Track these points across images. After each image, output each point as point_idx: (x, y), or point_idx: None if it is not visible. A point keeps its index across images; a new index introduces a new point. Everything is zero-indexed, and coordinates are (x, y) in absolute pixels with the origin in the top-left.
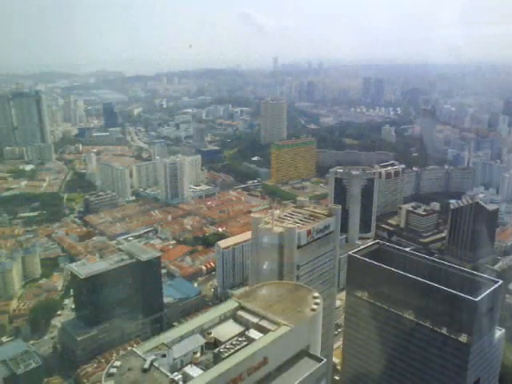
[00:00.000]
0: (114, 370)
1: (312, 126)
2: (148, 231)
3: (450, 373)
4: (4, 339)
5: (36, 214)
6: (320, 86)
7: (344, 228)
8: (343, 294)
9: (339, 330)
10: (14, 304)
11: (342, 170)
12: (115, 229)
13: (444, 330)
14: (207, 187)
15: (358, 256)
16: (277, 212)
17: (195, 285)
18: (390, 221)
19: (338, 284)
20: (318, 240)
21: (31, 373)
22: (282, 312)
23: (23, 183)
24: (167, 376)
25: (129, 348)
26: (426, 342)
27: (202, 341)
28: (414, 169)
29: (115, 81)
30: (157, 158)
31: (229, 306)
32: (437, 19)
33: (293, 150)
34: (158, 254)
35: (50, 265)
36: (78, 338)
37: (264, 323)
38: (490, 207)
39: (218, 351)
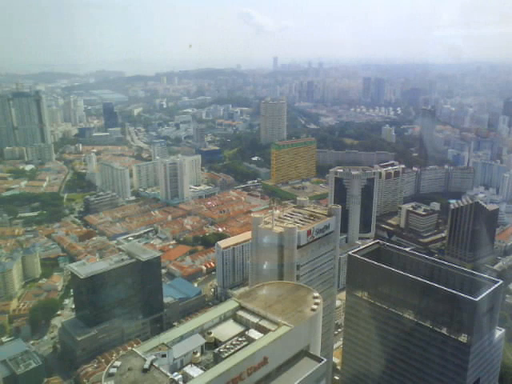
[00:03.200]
0: (114, 370)
1: (312, 126)
2: (148, 231)
3: (449, 373)
4: (4, 339)
5: (36, 214)
6: (320, 86)
7: (344, 228)
8: (343, 294)
9: (339, 330)
10: (13, 304)
11: (341, 170)
12: (115, 229)
13: (444, 330)
14: (207, 187)
15: (358, 256)
16: (277, 212)
17: (195, 285)
18: (390, 221)
19: (338, 284)
20: (317, 240)
21: (31, 373)
22: (281, 312)
23: (23, 183)
24: (167, 376)
25: (129, 348)
26: (425, 342)
27: (202, 341)
28: (414, 169)
29: (115, 81)
30: (157, 157)
31: (229, 305)
32: (437, 19)
33: (293, 149)
34: (158, 254)
35: (50, 265)
36: (78, 338)
37: (264, 323)
38: (490, 207)
39: (218, 351)
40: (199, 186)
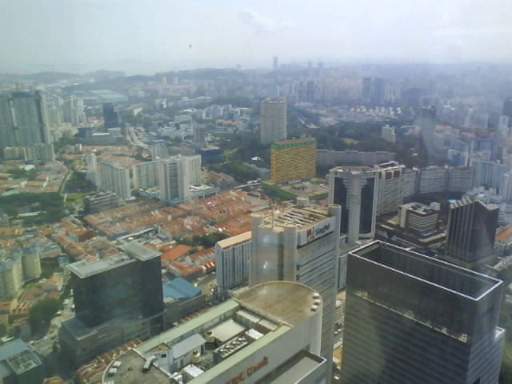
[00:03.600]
0: (113, 370)
1: (312, 126)
2: (148, 231)
3: (449, 373)
4: (4, 339)
5: (36, 214)
6: (320, 86)
7: (344, 228)
8: (343, 294)
9: (339, 329)
10: (14, 304)
11: (341, 170)
12: (115, 229)
13: (444, 330)
14: (207, 187)
15: (358, 256)
16: (277, 212)
17: (195, 285)
18: (390, 221)
19: (338, 284)
20: (318, 240)
21: (31, 373)
22: (281, 312)
23: (23, 183)
24: (167, 376)
25: (129, 348)
26: (426, 342)
27: (201, 341)
28: (414, 169)
29: (115, 81)
30: (157, 157)
31: (229, 305)
32: (437, 19)
33: (293, 150)
34: (158, 254)
35: (50, 265)
36: (78, 338)
37: (264, 323)
38: (490, 207)
39: (218, 351)
40: (199, 185)
